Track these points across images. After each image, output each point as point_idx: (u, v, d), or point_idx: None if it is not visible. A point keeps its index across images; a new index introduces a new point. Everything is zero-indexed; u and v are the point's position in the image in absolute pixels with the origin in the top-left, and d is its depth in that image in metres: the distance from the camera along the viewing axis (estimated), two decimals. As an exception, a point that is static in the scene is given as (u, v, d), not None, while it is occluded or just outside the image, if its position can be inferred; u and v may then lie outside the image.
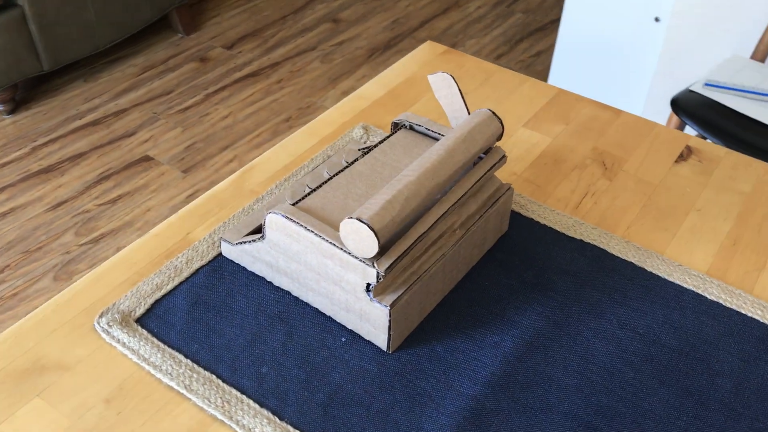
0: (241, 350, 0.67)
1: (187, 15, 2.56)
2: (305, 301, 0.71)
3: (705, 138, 1.55)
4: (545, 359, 0.68)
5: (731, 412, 0.64)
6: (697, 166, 0.91)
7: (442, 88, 0.77)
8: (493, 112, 0.74)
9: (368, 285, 0.65)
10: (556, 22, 2.77)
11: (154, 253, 0.76)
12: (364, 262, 0.63)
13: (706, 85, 1.59)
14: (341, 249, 0.64)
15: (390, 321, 0.65)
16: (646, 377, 0.67)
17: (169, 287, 0.73)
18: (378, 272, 0.63)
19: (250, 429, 0.61)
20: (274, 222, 0.68)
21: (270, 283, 0.73)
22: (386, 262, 0.63)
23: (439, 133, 0.77)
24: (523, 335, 0.70)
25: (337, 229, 0.66)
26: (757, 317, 0.72)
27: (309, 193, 0.71)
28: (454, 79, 0.75)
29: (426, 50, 1.10)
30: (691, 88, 1.59)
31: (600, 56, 2.09)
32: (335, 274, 0.66)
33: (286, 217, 0.67)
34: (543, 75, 2.47)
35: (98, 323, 0.69)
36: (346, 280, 0.66)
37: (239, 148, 2.14)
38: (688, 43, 1.92)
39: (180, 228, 0.79)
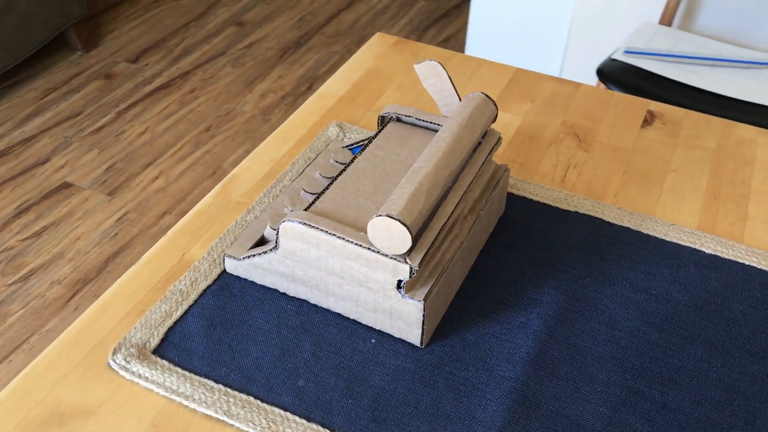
0: (272, 367, 0.65)
1: (85, 31, 2.44)
2: (326, 307, 0.69)
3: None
4: (573, 332, 0.69)
5: (754, 357, 0.67)
6: (662, 129, 0.95)
7: (429, 76, 0.77)
8: (486, 95, 0.74)
9: (399, 282, 0.64)
10: (459, 7, 2.82)
11: (153, 280, 0.72)
12: (394, 259, 0.62)
13: (627, 52, 1.66)
14: (368, 249, 0.63)
15: (424, 315, 0.64)
16: (669, 336, 0.69)
17: (179, 313, 0.69)
18: (411, 267, 0.62)
19: (300, 446, 0.59)
20: (289, 230, 0.66)
21: (284, 294, 0.71)
22: (418, 256, 0.62)
23: (431, 122, 0.77)
24: (547, 312, 0.70)
25: (358, 230, 0.65)
26: (754, 264, 0.76)
27: (318, 197, 0.69)
28: (442, 65, 0.75)
29: (377, 43, 1.09)
30: (613, 57, 1.65)
31: (513, 34, 2.14)
32: (361, 275, 0.65)
33: (304, 224, 0.65)
34: (456, 59, 2.50)
35: (113, 360, 0.64)
36: (374, 280, 0.64)
37: (163, 164, 2.06)
38: (598, 14, 1.99)
39: (174, 250, 0.75)
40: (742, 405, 0.63)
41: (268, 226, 0.73)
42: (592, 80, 2.09)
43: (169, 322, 0.68)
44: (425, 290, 0.64)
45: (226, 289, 0.71)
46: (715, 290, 0.73)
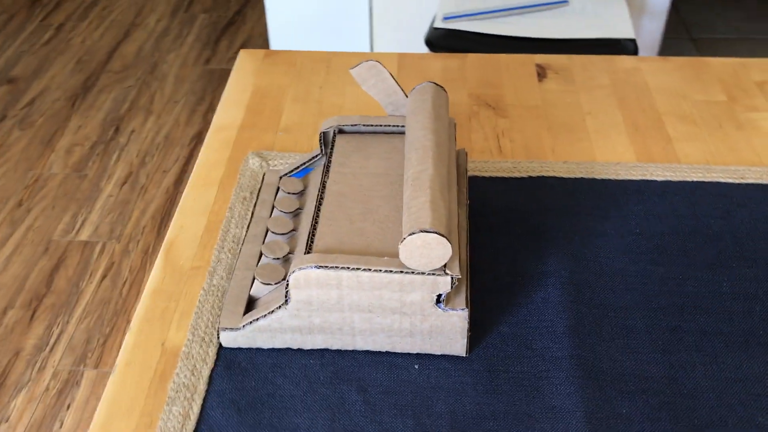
0: (330, 431, 0.58)
1: None
2: (352, 348, 0.63)
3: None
4: (591, 291, 0.69)
5: (748, 261, 0.71)
6: (557, 78, 0.98)
7: (369, 78, 0.72)
8: (435, 83, 0.71)
9: (439, 296, 0.59)
10: (240, 12, 2.73)
11: (144, 383, 0.61)
12: (432, 274, 0.57)
13: (446, 18, 1.69)
14: (400, 272, 0.57)
15: (469, 323, 0.61)
16: (672, 267, 0.71)
17: (196, 410, 0.59)
18: (453, 277, 0.58)
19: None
20: (303, 278, 0.58)
21: (299, 350, 0.63)
22: (455, 265, 0.58)
23: (383, 125, 0.72)
24: (561, 281, 0.69)
25: (378, 255, 0.59)
26: (702, 179, 0.80)
27: (312, 235, 0.62)
28: (381, 64, 0.70)
29: (246, 61, 1.01)
30: (435, 25, 1.68)
31: (315, 20, 2.11)
32: (393, 302, 0.59)
33: (320, 267, 0.58)
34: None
35: (151, 491, 0.54)
36: (409, 303, 0.59)
37: (-19, 256, 1.79)
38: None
39: (149, 343, 0.64)
40: (762, 308, 0.67)
41: (254, 283, 0.65)
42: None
43: (191, 425, 0.58)
44: (462, 297, 0.60)
45: (233, 366, 0.62)
46: (685, 213, 0.77)
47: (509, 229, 0.75)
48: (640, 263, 0.71)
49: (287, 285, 0.59)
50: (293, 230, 0.69)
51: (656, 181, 0.80)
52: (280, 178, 0.77)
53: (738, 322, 0.66)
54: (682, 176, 0.81)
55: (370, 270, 0.58)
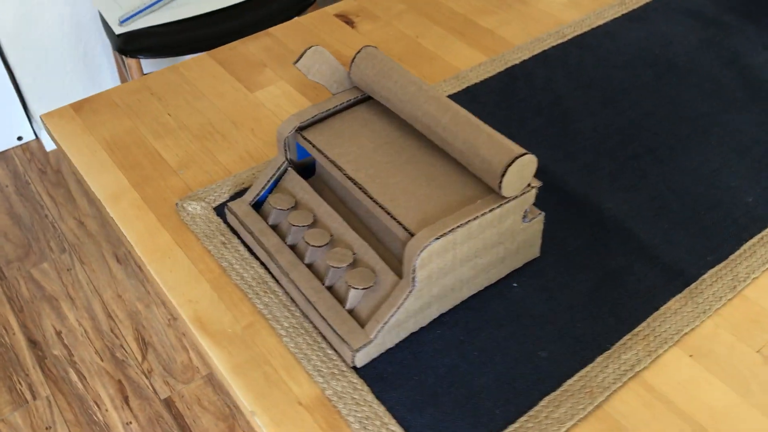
0: (505, 383, 0.60)
1: None
2: (459, 302, 0.65)
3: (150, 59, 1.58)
4: (614, 146, 0.79)
5: (707, 74, 0.89)
6: (364, 19, 1.02)
7: (313, 64, 0.70)
8: (370, 46, 0.72)
9: (525, 212, 0.64)
10: None
11: (322, 445, 0.56)
12: (523, 193, 0.62)
13: (123, 21, 1.58)
14: (499, 206, 0.61)
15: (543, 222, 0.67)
16: (655, 104, 0.86)
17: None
18: (537, 188, 0.63)
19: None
20: (427, 255, 0.58)
21: (417, 333, 0.63)
22: (534, 177, 0.63)
23: (338, 105, 0.71)
24: (570, 153, 0.79)
25: (460, 205, 0.61)
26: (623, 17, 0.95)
27: (390, 216, 0.61)
28: (321, 47, 0.69)
29: (57, 124, 0.86)
30: (118, 32, 1.56)
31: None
32: (493, 237, 0.63)
33: (440, 237, 0.58)
34: None
35: None
36: (505, 230, 0.63)
37: None
38: None
39: (290, 420, 0.58)
40: (733, 107, 0.85)
41: (349, 295, 0.62)
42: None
43: (407, 443, 0.56)
44: (532, 201, 0.66)
45: (384, 379, 0.60)
46: (636, 53, 0.93)
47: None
48: (633, 115, 0.84)
49: (414, 269, 0.59)
50: (331, 235, 0.66)
51: (543, 51, 0.93)
52: (251, 205, 0.72)
53: (730, 132, 0.83)
54: (557, 39, 0.95)
55: (477, 217, 0.60)
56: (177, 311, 0.67)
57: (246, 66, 0.95)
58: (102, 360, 1.54)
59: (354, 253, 0.65)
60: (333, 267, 0.63)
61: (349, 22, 1.02)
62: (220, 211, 0.75)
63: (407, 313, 0.62)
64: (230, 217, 0.73)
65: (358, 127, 0.71)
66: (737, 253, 0.69)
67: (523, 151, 0.60)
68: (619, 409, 0.58)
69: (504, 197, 0.61)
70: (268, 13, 1.68)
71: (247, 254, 0.71)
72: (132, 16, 1.61)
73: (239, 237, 0.72)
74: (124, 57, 1.59)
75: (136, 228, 0.74)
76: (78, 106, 0.89)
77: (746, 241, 0.70)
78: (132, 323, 1.60)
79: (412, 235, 0.60)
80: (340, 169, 0.66)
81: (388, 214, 0.62)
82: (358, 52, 0.72)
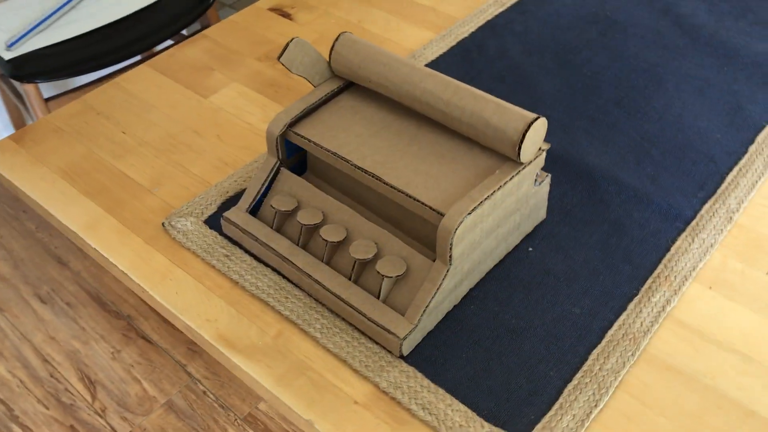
0: (543, 352, 0.61)
1: None
2: (483, 275, 0.65)
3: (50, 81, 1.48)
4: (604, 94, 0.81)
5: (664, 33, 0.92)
6: (299, 9, 1.00)
7: (296, 57, 0.67)
8: (346, 32, 0.70)
9: (537, 176, 0.65)
10: None
11: (392, 439, 0.54)
12: (537, 155, 0.63)
13: (11, 45, 1.46)
14: (518, 172, 0.61)
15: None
16: (629, 65, 0.87)
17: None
18: (547, 150, 0.64)
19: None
20: (461, 231, 0.58)
21: (450, 312, 0.63)
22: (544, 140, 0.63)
23: (323, 97, 0.69)
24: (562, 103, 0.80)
25: (477, 179, 0.61)
26: None
27: (414, 199, 0.60)
28: (303, 39, 0.66)
29: (4, 158, 0.79)
30: (8, 57, 1.44)
31: None
32: (512, 204, 0.63)
33: (472, 212, 0.58)
34: None
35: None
36: (522, 195, 0.64)
37: None
38: None
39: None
40: (678, 54, 0.88)
41: (383, 285, 0.61)
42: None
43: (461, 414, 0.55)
44: (540, 166, 0.67)
45: (430, 363, 0.60)
46: (576, 12, 0.95)
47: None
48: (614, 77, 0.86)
49: (450, 248, 0.58)
50: (346, 229, 0.65)
51: (488, 21, 0.94)
52: (249, 211, 0.69)
53: (704, 72, 0.87)
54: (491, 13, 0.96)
55: (500, 186, 0.60)
56: (197, 334, 0.63)
57: (191, 72, 0.90)
58: (47, 408, 1.43)
59: (375, 243, 0.63)
60: (359, 260, 0.62)
61: (286, 15, 1.00)
62: (212, 223, 0.71)
63: (444, 293, 0.61)
64: (228, 228, 0.69)
65: (348, 116, 0.69)
66: (723, 186, 0.73)
67: (535, 115, 0.60)
68: (662, 349, 0.60)
69: (521, 163, 0.62)
70: (164, 21, 1.61)
71: (255, 263, 0.68)
72: (20, 39, 1.49)
73: (242, 247, 0.69)
74: (19, 84, 1.48)
75: (124, 254, 0.69)
76: (18, 137, 0.82)
77: (727, 174, 0.75)
78: (72, 363, 1.50)
79: (441, 215, 0.59)
80: (345, 160, 0.65)
81: (410, 197, 0.61)
82: (336, 39, 0.70)
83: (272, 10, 1.01)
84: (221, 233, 0.70)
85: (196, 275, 0.67)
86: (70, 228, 0.72)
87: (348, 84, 0.72)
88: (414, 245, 0.64)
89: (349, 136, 0.67)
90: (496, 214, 0.62)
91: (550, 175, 0.68)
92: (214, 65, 0.91)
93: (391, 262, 0.61)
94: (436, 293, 0.60)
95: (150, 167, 0.78)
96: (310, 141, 0.67)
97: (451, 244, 0.58)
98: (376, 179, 0.63)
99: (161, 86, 0.88)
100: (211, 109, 0.85)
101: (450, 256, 0.59)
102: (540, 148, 0.64)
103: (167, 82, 0.89)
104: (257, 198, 0.69)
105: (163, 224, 0.71)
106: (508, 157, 0.62)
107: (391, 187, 0.62)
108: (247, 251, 0.69)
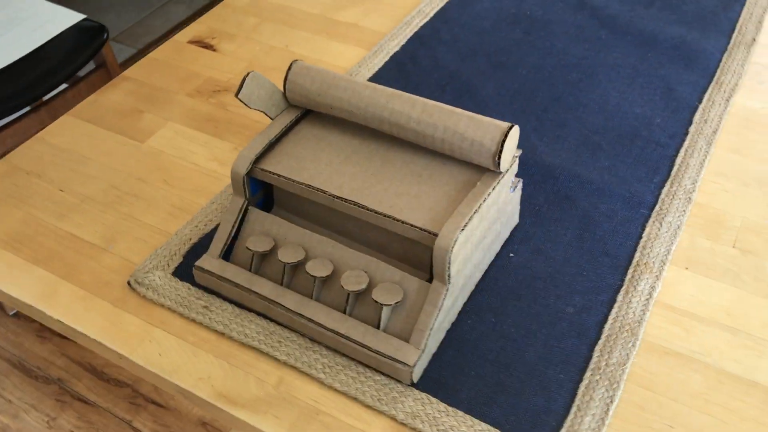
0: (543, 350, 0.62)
1: None
2: (473, 289, 0.65)
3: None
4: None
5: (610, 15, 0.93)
6: (220, 39, 0.96)
7: (253, 92, 0.65)
8: (297, 61, 0.68)
9: (512, 182, 0.65)
10: None
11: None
12: (514, 159, 0.63)
13: None
14: (497, 183, 0.61)
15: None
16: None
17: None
18: (519, 156, 0.64)
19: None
20: (456, 249, 0.57)
21: (451, 327, 0.62)
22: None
23: (283, 129, 0.67)
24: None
25: (456, 191, 0.61)
26: None
27: (402, 222, 0.58)
28: (258, 72, 0.64)
29: None
30: None
31: None
32: (493, 214, 0.63)
33: (463, 228, 0.57)
34: None
35: None
36: (500, 206, 0.64)
37: None
38: None
39: (366, 452, 0.54)
40: (602, 46, 0.90)
41: (382, 314, 0.59)
42: None
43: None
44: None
45: (441, 387, 0.59)
46: (496, 15, 0.95)
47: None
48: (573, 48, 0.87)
49: (448, 266, 0.57)
50: (331, 261, 0.63)
51: (415, 33, 0.94)
52: (221, 257, 0.66)
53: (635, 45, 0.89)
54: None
55: (485, 199, 0.60)
56: (191, 395, 0.60)
57: (120, 116, 0.85)
58: (-15, 493, 1.32)
59: (365, 272, 0.62)
60: (352, 292, 0.60)
61: (208, 46, 0.96)
62: (181, 274, 0.68)
63: (444, 313, 0.60)
64: (201, 277, 0.66)
65: (312, 145, 0.67)
66: (675, 169, 0.76)
67: (509, 124, 0.61)
68: (657, 335, 0.62)
69: (500, 172, 0.62)
70: (53, 65, 1.52)
71: (237, 310, 0.64)
72: None
73: (219, 295, 0.66)
74: None
75: (92, 321, 0.64)
76: (-59, 210, 0.75)
77: (675, 156, 0.78)
78: (4, 440, 1.39)
79: (434, 234, 0.58)
80: (321, 191, 0.63)
81: (398, 220, 0.60)
82: (289, 69, 0.68)
83: (192, 42, 0.97)
84: (194, 284, 0.67)
85: (176, 332, 0.63)
86: (23, 301, 0.66)
87: (305, 112, 0.70)
88: (403, 268, 0.63)
89: (319, 166, 0.65)
90: (483, 226, 0.62)
91: (521, 179, 0.68)
92: (143, 107, 0.87)
93: (386, 290, 0.60)
94: (438, 314, 0.59)
95: (99, 224, 0.73)
96: (280, 176, 0.64)
97: (448, 263, 0.58)
98: (359, 207, 0.61)
99: (91, 136, 0.83)
100: (151, 153, 0.80)
101: (448, 275, 0.58)
102: (513, 155, 0.64)
103: (96, 130, 0.84)
104: (228, 242, 0.66)
105: (128, 283, 0.67)
106: (485, 168, 0.63)
107: (376, 212, 0.61)
108: (226, 299, 0.66)
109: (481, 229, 0.62)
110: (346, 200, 0.62)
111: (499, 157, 0.60)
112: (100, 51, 1.56)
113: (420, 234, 0.59)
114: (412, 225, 0.59)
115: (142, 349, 0.62)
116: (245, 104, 0.65)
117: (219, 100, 0.87)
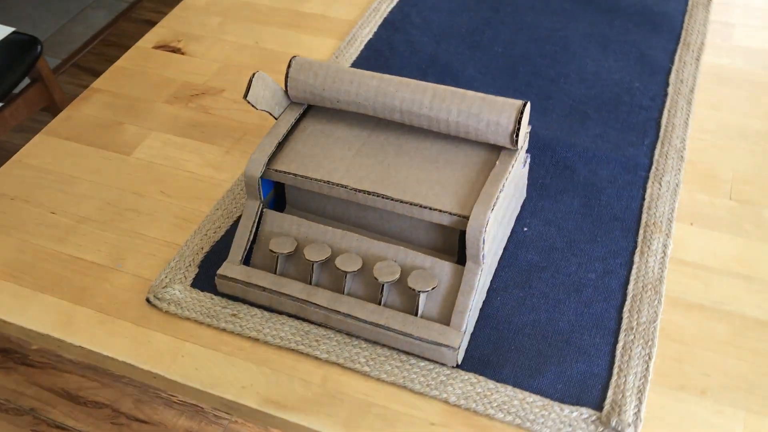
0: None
1: None
2: (496, 267, 0.66)
3: None
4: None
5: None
6: (187, 42, 0.94)
7: (259, 92, 0.63)
8: (295, 57, 0.67)
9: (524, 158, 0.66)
10: None
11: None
12: (527, 133, 0.64)
13: None
14: (515, 160, 0.62)
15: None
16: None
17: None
18: (528, 132, 0.65)
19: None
20: (488, 228, 0.58)
21: (482, 305, 0.63)
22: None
23: (289, 127, 0.66)
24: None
25: (475, 172, 0.62)
26: None
27: (428, 208, 0.59)
28: (263, 72, 0.62)
29: None
30: None
31: None
32: (512, 191, 0.64)
33: (493, 208, 0.58)
34: None
35: None
36: (516, 182, 0.65)
37: None
38: None
39: (426, 438, 0.54)
40: (570, 17, 0.92)
41: (419, 301, 0.59)
42: None
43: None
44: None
45: (485, 365, 0.59)
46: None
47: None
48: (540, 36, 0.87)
49: (482, 247, 0.58)
50: (361, 259, 0.62)
51: (385, 19, 0.93)
52: (243, 263, 0.64)
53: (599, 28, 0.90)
54: (374, 25, 0.95)
55: (507, 177, 0.61)
56: (237, 404, 0.59)
57: (100, 131, 0.82)
58: None
59: (395, 261, 0.62)
60: (387, 282, 0.60)
61: (176, 50, 0.93)
62: (201, 285, 0.66)
63: (480, 294, 0.61)
64: (225, 285, 0.64)
65: (321, 140, 0.66)
66: (662, 130, 0.79)
67: (521, 101, 0.62)
68: (678, 290, 0.65)
69: (516, 149, 0.63)
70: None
71: (267, 314, 0.64)
72: None
73: (245, 301, 0.65)
74: None
75: (118, 344, 0.62)
76: (-74, 247, 0.71)
77: (659, 117, 0.81)
78: (-15, 479, 1.33)
79: (465, 217, 0.59)
80: (341, 186, 0.62)
81: (426, 207, 0.60)
82: (289, 66, 0.67)
83: (158, 48, 0.94)
84: (216, 293, 0.66)
85: (208, 344, 0.62)
86: (39, 332, 0.64)
87: (306, 108, 0.69)
88: (430, 253, 0.64)
89: (334, 161, 0.64)
90: (505, 204, 0.63)
91: (529, 154, 0.70)
92: (122, 118, 0.84)
93: (421, 276, 0.60)
94: (475, 295, 0.60)
95: (101, 243, 0.70)
96: (297, 175, 0.63)
97: (482, 244, 0.58)
98: (384, 198, 0.61)
99: (73, 153, 0.80)
100: (141, 165, 0.78)
101: (483, 255, 0.59)
102: (526, 132, 0.65)
103: (78, 147, 0.80)
104: (247, 247, 0.65)
105: (147, 300, 0.65)
106: (499, 147, 0.63)
107: (402, 202, 0.61)
108: (253, 304, 0.65)
109: (504, 208, 0.63)
110: (369, 193, 0.62)
111: (517, 135, 0.61)
112: (35, 65, 1.50)
113: (450, 218, 0.60)
114: (441, 210, 0.60)
115: (176, 365, 0.61)
116: (253, 106, 0.63)
117: (199, 104, 0.85)
